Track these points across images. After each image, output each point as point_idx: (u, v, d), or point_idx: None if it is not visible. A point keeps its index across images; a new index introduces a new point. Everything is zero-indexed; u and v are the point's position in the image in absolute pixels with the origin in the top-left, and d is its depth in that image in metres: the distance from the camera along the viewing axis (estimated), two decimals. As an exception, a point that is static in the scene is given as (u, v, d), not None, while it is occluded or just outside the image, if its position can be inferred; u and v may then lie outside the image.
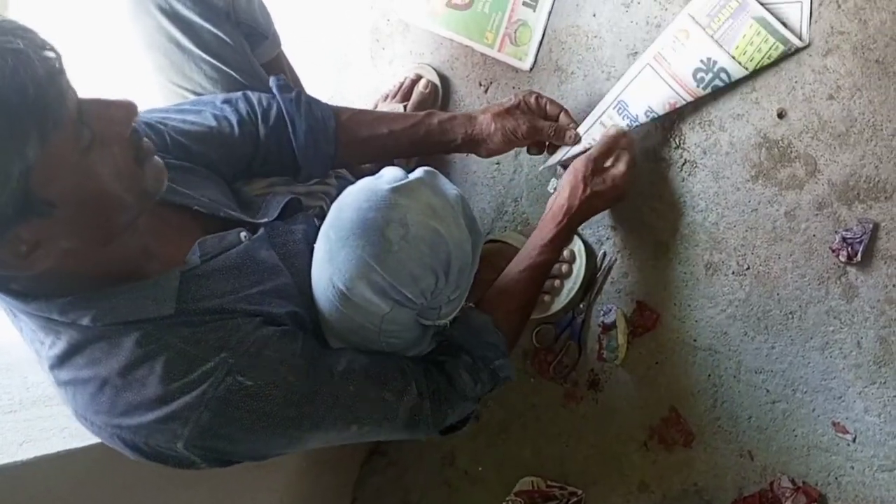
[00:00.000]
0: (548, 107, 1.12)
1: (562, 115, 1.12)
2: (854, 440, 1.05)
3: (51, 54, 0.62)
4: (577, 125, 1.12)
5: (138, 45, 1.01)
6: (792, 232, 1.06)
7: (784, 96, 1.04)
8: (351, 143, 1.05)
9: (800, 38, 1.01)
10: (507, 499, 1.30)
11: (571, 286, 1.22)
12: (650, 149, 1.15)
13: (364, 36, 1.40)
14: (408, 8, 1.33)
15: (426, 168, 0.83)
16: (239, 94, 1.01)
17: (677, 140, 1.13)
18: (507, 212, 1.31)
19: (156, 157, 0.75)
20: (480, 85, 1.30)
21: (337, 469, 1.42)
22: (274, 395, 0.76)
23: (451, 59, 1.32)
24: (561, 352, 1.26)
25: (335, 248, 0.78)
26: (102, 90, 0.71)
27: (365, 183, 0.81)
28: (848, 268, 1.03)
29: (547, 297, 1.23)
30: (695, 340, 1.16)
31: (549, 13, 1.21)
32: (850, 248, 1.01)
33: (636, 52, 1.13)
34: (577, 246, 1.21)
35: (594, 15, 1.17)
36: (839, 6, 0.99)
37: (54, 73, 0.62)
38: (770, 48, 1.01)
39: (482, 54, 1.28)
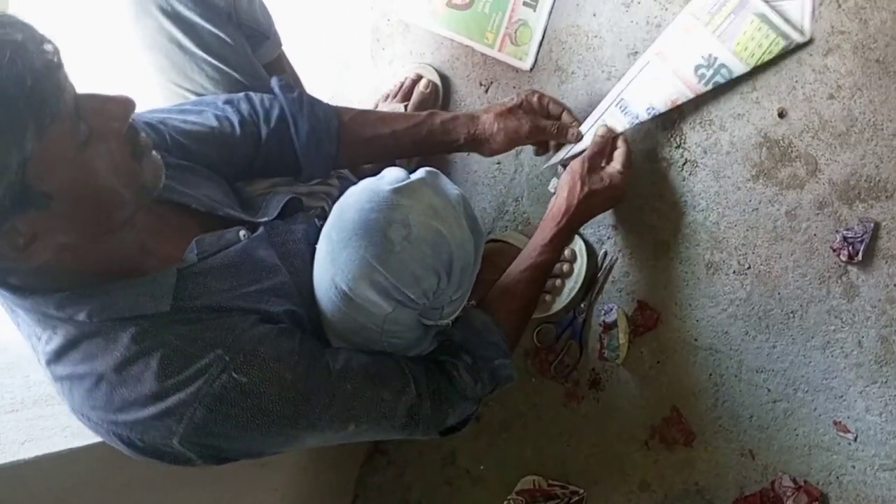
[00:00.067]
0: (550, 106, 1.12)
1: (564, 114, 1.12)
2: (855, 439, 1.05)
3: (49, 48, 0.63)
4: (580, 123, 1.12)
5: (139, 46, 1.01)
6: (793, 231, 1.06)
7: (785, 96, 1.04)
8: (354, 143, 1.05)
9: (801, 34, 1.01)
10: (509, 498, 1.30)
11: (573, 286, 1.22)
12: (651, 148, 1.15)
13: (364, 36, 1.40)
14: (408, 8, 1.33)
15: (428, 168, 0.83)
16: (241, 94, 1.01)
17: (678, 140, 1.13)
18: (508, 211, 1.31)
19: (154, 153, 0.75)
20: (481, 85, 1.30)
21: (337, 468, 1.42)
22: (269, 393, 0.75)
23: (452, 59, 1.32)
24: (562, 351, 1.26)
25: (337, 249, 0.78)
26: (102, 89, 0.71)
27: (367, 184, 0.81)
28: (849, 267, 1.03)
29: (548, 297, 1.23)
30: (696, 340, 1.16)
31: (550, 13, 1.21)
32: (850, 248, 1.01)
33: (636, 52, 1.14)
34: (578, 245, 1.21)
35: (594, 15, 1.17)
36: (839, 6, 0.99)
37: (52, 67, 0.63)
38: (771, 44, 1.01)
39: (482, 54, 1.29)
